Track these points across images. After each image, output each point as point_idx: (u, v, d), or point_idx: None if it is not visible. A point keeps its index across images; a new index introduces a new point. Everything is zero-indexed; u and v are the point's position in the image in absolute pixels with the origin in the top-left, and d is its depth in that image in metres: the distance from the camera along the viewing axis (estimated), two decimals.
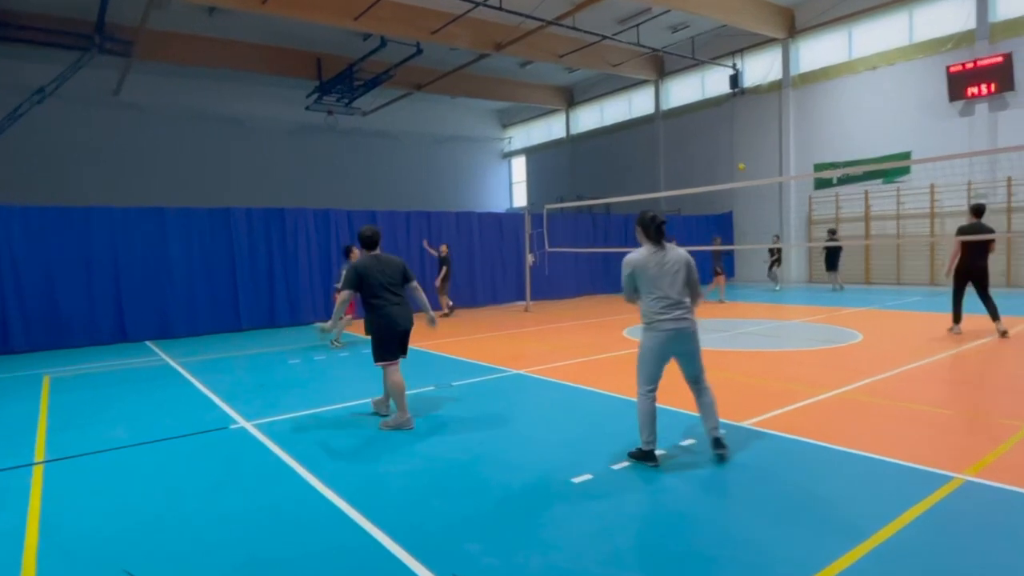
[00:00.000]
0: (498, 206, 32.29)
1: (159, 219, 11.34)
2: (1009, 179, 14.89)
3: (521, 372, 7.13)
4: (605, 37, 18.22)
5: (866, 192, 17.55)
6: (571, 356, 8.07)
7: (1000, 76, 14.76)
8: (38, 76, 17.74)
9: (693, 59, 20.61)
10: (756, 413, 5.12)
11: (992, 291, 8.50)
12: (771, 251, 17.38)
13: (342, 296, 5.05)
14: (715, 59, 20.74)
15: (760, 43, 19.77)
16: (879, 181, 17.28)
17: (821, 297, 14.91)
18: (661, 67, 23.43)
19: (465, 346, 9.29)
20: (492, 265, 16.14)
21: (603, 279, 18.34)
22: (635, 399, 4.13)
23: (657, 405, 4.08)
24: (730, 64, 20.62)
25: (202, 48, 19.11)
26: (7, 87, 18.58)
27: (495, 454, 4.36)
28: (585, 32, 17.60)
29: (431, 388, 6.43)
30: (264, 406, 5.88)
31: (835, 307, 12.75)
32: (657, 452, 4.03)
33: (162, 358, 9.04)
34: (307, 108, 23.30)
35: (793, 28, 19.05)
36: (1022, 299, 12.41)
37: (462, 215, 15.81)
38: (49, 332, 10.27)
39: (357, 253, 9.10)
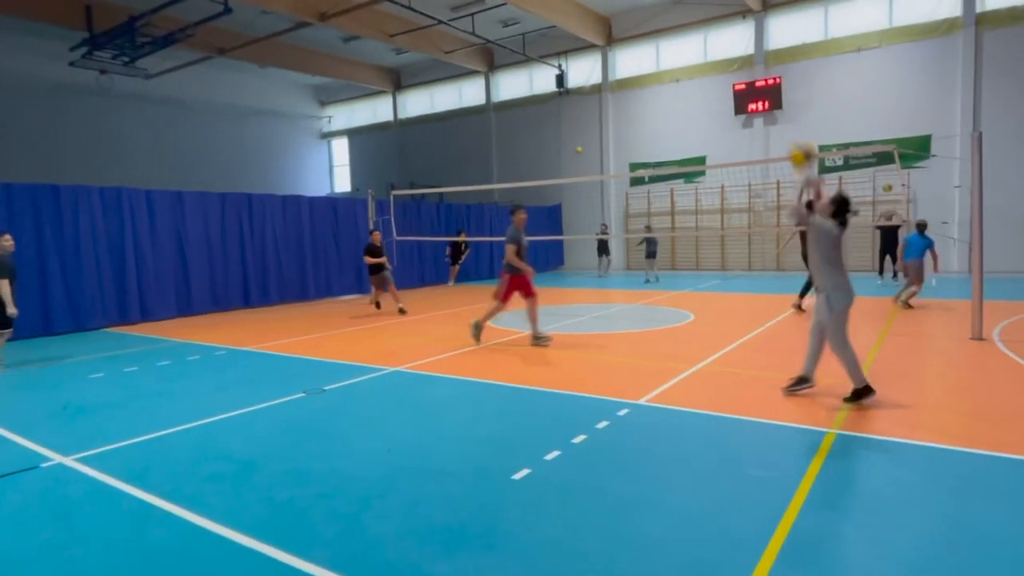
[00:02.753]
0: (317, 189, 30.12)
1: None
2: (778, 182, 17.87)
3: (400, 369, 6.65)
4: (440, 22, 17.91)
5: (671, 190, 19.77)
6: (445, 349, 7.76)
7: (772, 96, 17.61)
8: None
9: (523, 55, 21.24)
10: (646, 391, 5.38)
11: (765, 274, 10.14)
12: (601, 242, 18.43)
13: None
14: (543, 57, 21.63)
15: (583, 47, 21.08)
16: (681, 181, 19.58)
17: (641, 283, 16.43)
18: (492, 60, 23.78)
19: (318, 345, 8.44)
20: (326, 255, 14.95)
21: (440, 267, 18.14)
22: (536, 388, 4.06)
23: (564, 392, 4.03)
24: (556, 64, 21.68)
25: None
26: None
27: (415, 460, 3.95)
28: (419, 13, 17.10)
29: (300, 395, 5.66)
30: (81, 435, 4.63)
31: (658, 291, 14.13)
32: (577, 439, 4.00)
33: None
34: (71, 64, 19.19)
35: (611, 36, 20.64)
36: (790, 280, 15.01)
37: (289, 199, 14.39)
38: None
39: None
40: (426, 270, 17.58)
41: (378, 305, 11.68)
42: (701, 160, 18.81)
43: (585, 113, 21.54)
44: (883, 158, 16.13)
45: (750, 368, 6.20)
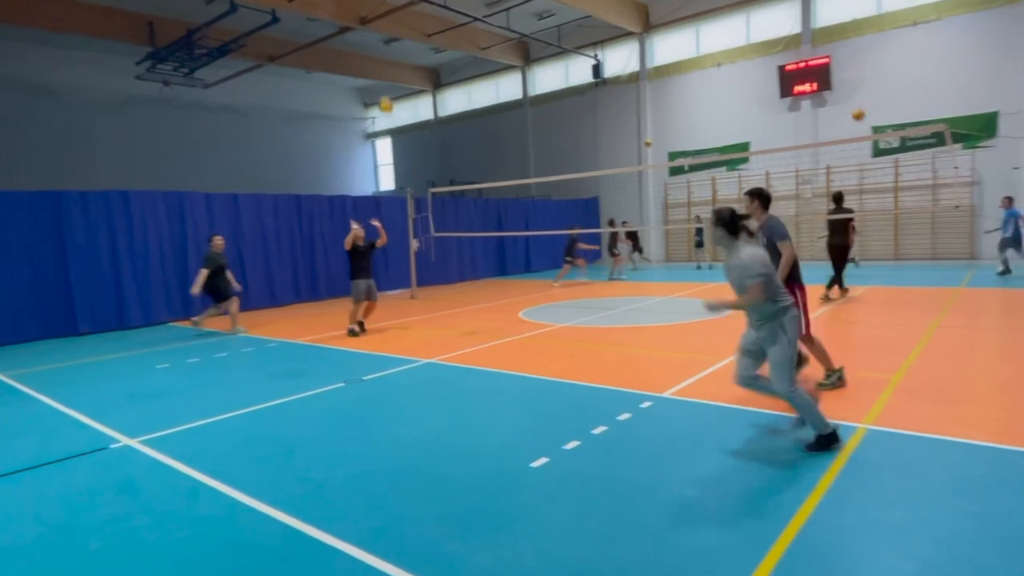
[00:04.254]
0: (363, 189, 30.98)
1: None
2: (828, 167, 17.30)
3: (433, 360, 6.93)
4: (475, 19, 18.11)
5: (713, 178, 19.41)
6: (478, 342, 8.00)
7: (821, 76, 17.02)
8: None
9: (558, 47, 21.23)
10: (672, 383, 5.45)
11: (816, 264, 9.95)
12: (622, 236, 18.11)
13: None
14: (578, 48, 21.55)
15: (619, 35, 20.88)
16: (724, 169, 19.20)
17: (683, 274, 16.26)
18: (527, 54, 23.85)
19: (360, 338, 8.82)
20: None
21: (486, 263, 18.44)
22: (561, 380, 4.21)
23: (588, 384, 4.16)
24: (592, 54, 21.56)
25: (5, 2, 15.89)
26: None
27: (440, 447, 4.19)
28: (455, 12, 17.34)
29: (341, 385, 6.01)
30: (146, 419, 5.10)
31: (696, 283, 13.98)
32: (597, 430, 4.13)
33: None
34: (137, 77, 20.45)
35: (648, 23, 20.36)
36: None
37: (336, 199, 14.96)
38: None
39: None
40: (464, 266, 17.90)
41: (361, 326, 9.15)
42: (744, 147, 18.38)
43: (622, 103, 21.35)
44: (942, 138, 15.38)
45: None
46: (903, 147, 16.32)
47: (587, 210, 22.09)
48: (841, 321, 8.33)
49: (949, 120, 14.63)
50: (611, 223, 16.97)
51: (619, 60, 21.41)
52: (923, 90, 15.79)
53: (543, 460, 3.80)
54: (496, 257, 19.11)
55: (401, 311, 11.66)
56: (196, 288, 9.39)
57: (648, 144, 19.83)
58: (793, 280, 5.13)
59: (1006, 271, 12.15)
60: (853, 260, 13.42)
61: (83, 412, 5.43)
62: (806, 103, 17.55)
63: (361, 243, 8.95)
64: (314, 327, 10.07)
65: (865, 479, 3.34)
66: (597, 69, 21.55)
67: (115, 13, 17.97)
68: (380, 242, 9.31)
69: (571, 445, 4.04)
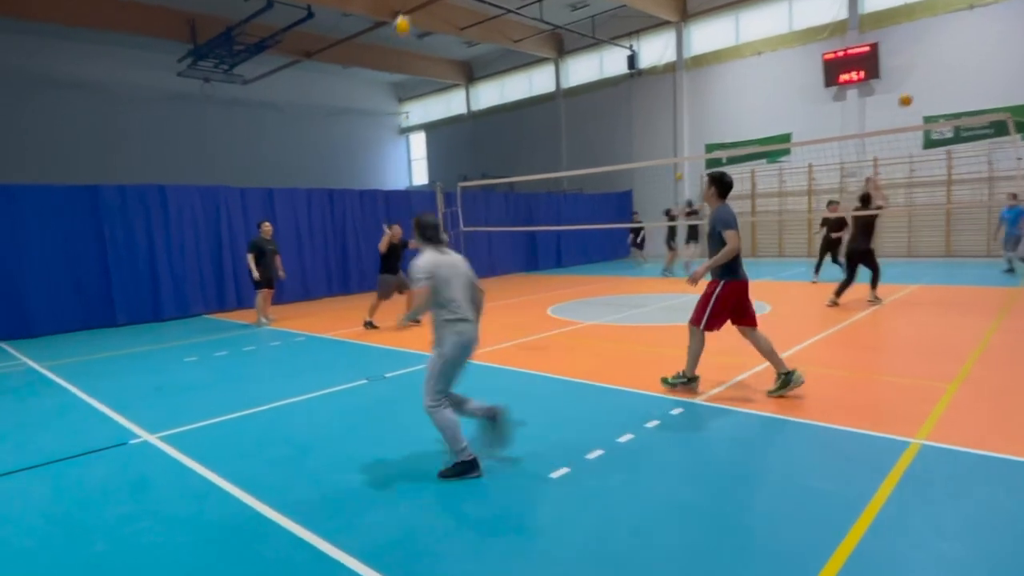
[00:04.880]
0: (397, 183, 31.14)
1: (5, 198, 9.59)
2: (875, 159, 16.52)
3: None
4: (507, 11, 17.87)
5: (752, 171, 18.77)
6: (503, 339, 7.83)
7: (868, 64, 16.24)
8: None
9: (592, 38, 20.82)
10: (705, 388, 5.18)
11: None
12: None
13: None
14: (613, 39, 21.10)
15: (655, 25, 20.35)
16: (763, 161, 18.54)
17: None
18: (561, 45, 23.49)
19: (385, 333, 8.75)
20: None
21: (517, 258, 18.27)
22: (587, 382, 4.00)
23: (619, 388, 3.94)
24: (627, 45, 21.08)
25: (52, 2, 16.38)
26: None
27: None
28: (487, 4, 17.14)
29: (363, 382, 5.92)
30: (168, 414, 5.09)
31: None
32: (623, 438, 3.90)
33: (23, 361, 7.70)
34: (179, 74, 20.91)
35: (685, 12, 19.78)
36: (888, 268, 13.83)
37: (367, 193, 14.98)
38: None
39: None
40: (495, 261, 17.74)
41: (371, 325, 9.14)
42: (786, 138, 17.70)
43: (658, 94, 20.82)
44: (1001, 128, 14.48)
45: (823, 365, 5.81)
46: (957, 138, 15.45)
47: (620, 204, 21.67)
48: (889, 323, 7.86)
49: (1011, 109, 13.75)
50: (667, 214, 16.42)
51: (655, 50, 20.88)
52: (979, 78, 14.89)
53: (563, 471, 3.60)
54: (527, 252, 18.90)
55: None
56: (255, 274, 9.45)
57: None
58: (731, 273, 4.91)
59: (1010, 270, 12.22)
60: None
61: (109, 405, 5.47)
62: (852, 92, 16.78)
63: (396, 241, 8.90)
64: (343, 321, 10.07)
65: (919, 503, 3.04)
66: (632, 60, 21.06)
67: (158, 11, 18.36)
68: (413, 244, 9.23)
69: (594, 455, 3.82)
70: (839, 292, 9.11)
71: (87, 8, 17.02)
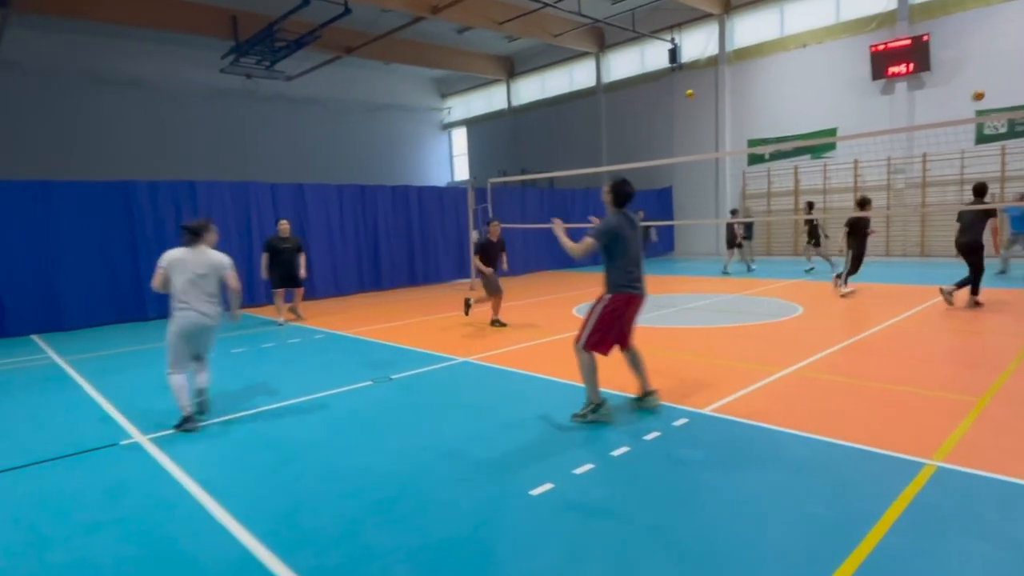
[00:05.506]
0: (439, 179, 31.33)
1: (43, 194, 10.00)
2: (925, 155, 15.60)
3: (468, 359, 6.71)
4: (546, 4, 17.64)
5: (795, 167, 18.03)
6: (522, 339, 7.72)
7: (918, 56, 15.32)
8: None
9: (633, 32, 20.36)
10: (715, 397, 4.94)
11: (908, 261, 8.81)
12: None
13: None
14: (654, 33, 20.59)
15: (697, 18, 19.75)
16: (808, 157, 17.77)
17: (757, 270, 15.21)
18: (602, 40, 23.09)
19: (406, 331, 8.76)
20: (433, 242, 15.54)
21: (551, 255, 18.10)
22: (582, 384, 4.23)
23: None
24: (669, 38, 20.54)
25: (106, 3, 17.09)
26: None
27: (440, 462, 3.89)
28: None
29: (368, 383, 5.90)
30: (166, 414, 4.99)
31: (770, 280, 13.00)
32: (617, 451, 3.73)
33: (47, 355, 7.98)
34: (222, 71, 21.46)
35: (728, 4, 19.12)
36: (935, 269, 13.07)
37: (398, 189, 15.06)
38: None
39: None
40: (529, 257, 17.61)
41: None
42: (831, 133, 16.91)
43: (699, 88, 20.19)
44: None
45: (852, 375, 5.46)
46: (1012, 132, 14.42)
47: (659, 200, 21.17)
48: (928, 328, 7.36)
49: None
50: (734, 214, 15.86)
51: (697, 44, 20.28)
52: None
53: (546, 487, 3.43)
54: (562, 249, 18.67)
55: (456, 303, 11.55)
56: (264, 273, 9.72)
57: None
58: (620, 287, 4.51)
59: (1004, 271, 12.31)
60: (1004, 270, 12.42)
61: (114, 402, 5.55)
62: (901, 85, 15.87)
63: (495, 238, 8.75)
64: (366, 318, 10.13)
65: (924, 536, 2.77)
66: (673, 54, 20.52)
67: (202, 8, 18.90)
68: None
69: (583, 469, 3.65)
70: (976, 289, 8.48)
71: (138, 8, 17.66)
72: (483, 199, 14.96)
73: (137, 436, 4.61)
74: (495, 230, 8.73)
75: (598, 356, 4.58)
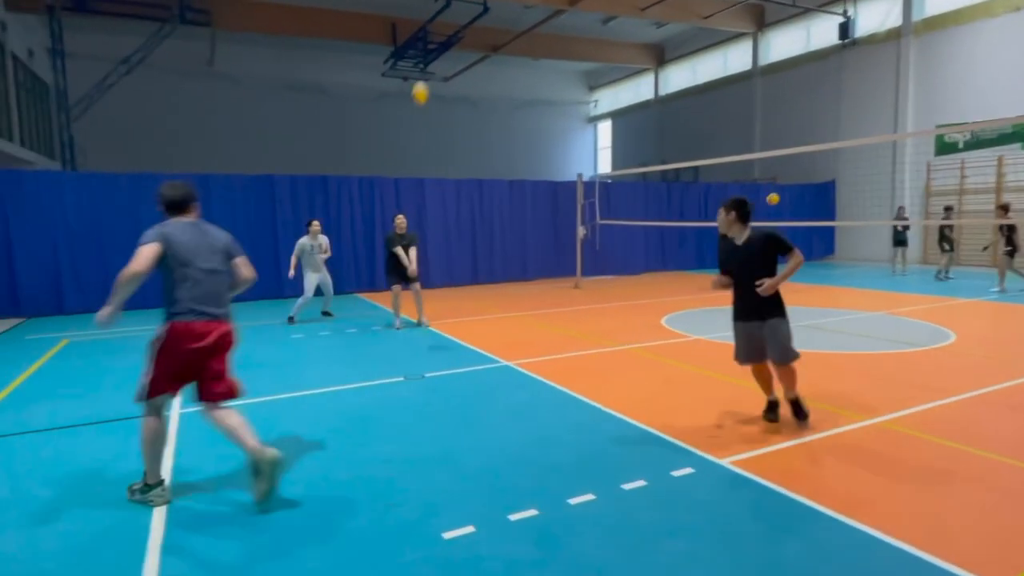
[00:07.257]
0: (584, 173, 30.86)
1: (201, 186, 11.45)
2: None
3: (510, 364, 6.33)
4: None
5: (1000, 158, 14.63)
6: (584, 346, 7.15)
7: None
8: (125, 48, 18.72)
9: (797, 7, 18.04)
10: (745, 446, 4.02)
11: None
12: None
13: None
14: (823, 6, 18.03)
15: None
16: (1017, 146, 14.31)
17: (933, 284, 12.58)
18: (761, 17, 20.85)
19: (472, 328, 8.57)
20: (545, 237, 15.30)
21: (675, 254, 16.87)
22: (618, 415, 3.29)
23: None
24: (840, 11, 17.85)
25: (279, 16, 19.33)
26: (98, 59, 19.62)
27: (402, 482, 3.60)
28: None
29: (399, 379, 5.81)
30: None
31: (940, 296, 10.69)
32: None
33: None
34: (383, 75, 23.16)
35: None
36: None
37: (515, 184, 15.02)
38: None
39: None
40: (650, 256, 16.51)
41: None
42: None
43: (875, 66, 17.27)
44: None
45: (964, 440, 4.09)
46: None
47: (819, 197, 18.56)
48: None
49: None
50: (948, 211, 13.23)
51: (875, 15, 17.36)
52: None
53: (468, 529, 3.00)
54: (692, 247, 17.21)
55: (548, 301, 11.15)
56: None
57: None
58: (171, 313, 3.34)
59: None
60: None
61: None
62: None
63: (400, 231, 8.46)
64: (450, 311, 10.08)
65: None
66: (845, 28, 17.80)
67: (367, 17, 20.57)
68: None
69: (517, 516, 3.13)
70: None
71: (318, 20, 19.78)
72: (606, 193, 14.29)
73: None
74: (401, 223, 8.33)
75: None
